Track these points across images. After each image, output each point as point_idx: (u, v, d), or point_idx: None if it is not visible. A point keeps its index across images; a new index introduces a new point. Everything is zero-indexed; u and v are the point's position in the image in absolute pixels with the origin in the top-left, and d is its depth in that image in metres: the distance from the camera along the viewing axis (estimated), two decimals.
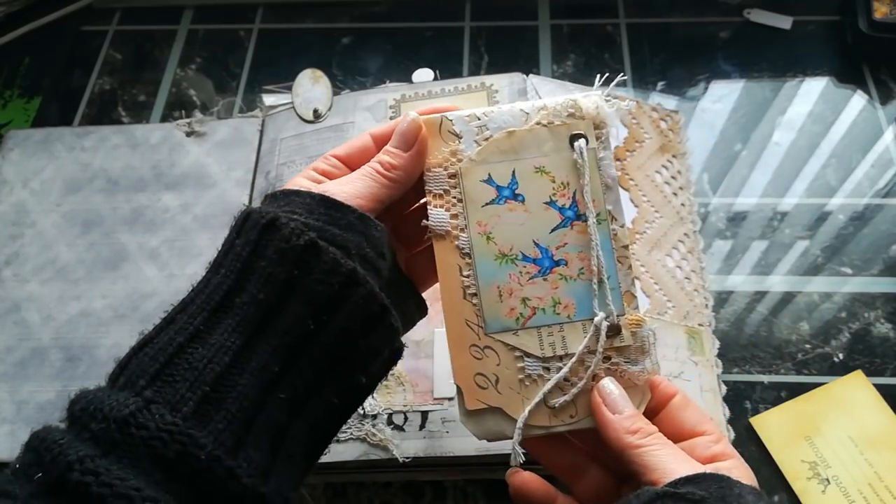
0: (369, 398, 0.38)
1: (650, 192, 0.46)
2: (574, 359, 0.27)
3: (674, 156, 0.48)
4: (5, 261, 0.48)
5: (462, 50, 0.60)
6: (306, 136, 0.50)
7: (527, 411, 0.27)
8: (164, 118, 0.57)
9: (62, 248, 0.48)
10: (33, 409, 0.42)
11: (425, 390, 0.38)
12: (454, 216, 0.29)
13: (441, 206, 0.29)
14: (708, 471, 0.25)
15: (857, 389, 0.42)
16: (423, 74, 0.55)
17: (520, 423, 0.27)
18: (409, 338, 0.39)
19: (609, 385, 0.28)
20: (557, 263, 0.28)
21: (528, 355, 0.28)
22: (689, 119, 0.55)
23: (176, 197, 0.49)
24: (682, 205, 0.47)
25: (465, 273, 0.28)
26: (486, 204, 0.29)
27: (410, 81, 0.55)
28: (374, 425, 0.37)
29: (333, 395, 0.25)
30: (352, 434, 0.37)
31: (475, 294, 0.28)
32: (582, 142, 0.29)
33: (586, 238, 0.28)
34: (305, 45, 0.61)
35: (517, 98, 0.48)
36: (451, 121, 0.30)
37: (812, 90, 0.55)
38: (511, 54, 0.59)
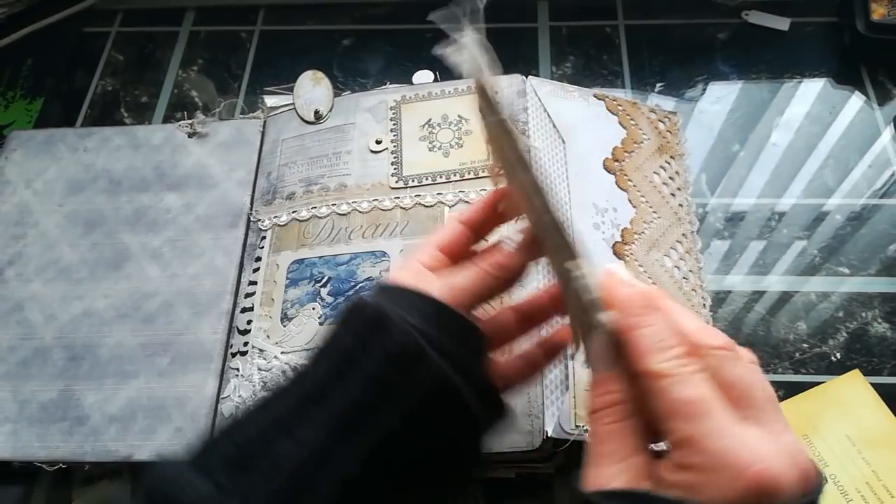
0: None
1: (648, 193, 0.46)
2: None
3: (672, 157, 0.48)
4: (8, 261, 0.48)
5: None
6: (307, 136, 0.51)
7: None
8: (166, 119, 0.58)
9: (65, 249, 0.48)
10: (36, 409, 0.43)
11: None
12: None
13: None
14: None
15: (854, 389, 0.42)
16: (424, 76, 0.56)
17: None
18: None
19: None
20: None
21: None
22: (688, 120, 0.55)
23: (178, 197, 0.50)
24: (680, 205, 0.47)
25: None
26: None
27: (411, 83, 0.55)
28: None
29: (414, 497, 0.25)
30: None
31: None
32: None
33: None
34: (306, 47, 0.61)
35: (516, 99, 0.48)
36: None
37: (810, 91, 0.56)
38: (510, 56, 0.59)
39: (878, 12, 0.54)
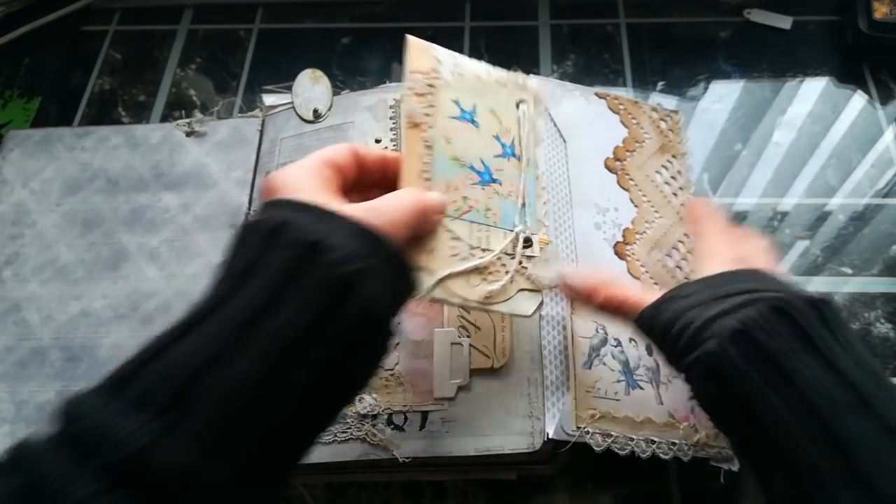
0: (369, 398, 0.38)
1: (650, 193, 0.46)
2: (495, 254, 0.33)
3: (674, 156, 0.48)
4: (5, 261, 0.48)
5: (462, 50, 0.60)
6: (306, 136, 0.50)
7: (448, 269, 0.31)
8: (164, 118, 0.57)
9: (62, 249, 0.48)
10: (33, 409, 0.42)
11: (425, 390, 0.38)
12: (426, 114, 0.33)
13: (419, 102, 0.34)
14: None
15: None
16: None
17: (440, 275, 0.31)
18: (408, 338, 0.39)
19: (570, 275, 0.35)
20: (494, 181, 0.35)
21: (459, 240, 0.32)
22: (689, 119, 0.55)
23: (176, 197, 0.49)
24: (682, 205, 0.47)
25: (425, 160, 0.33)
26: (452, 118, 0.34)
27: None
28: (374, 425, 0.37)
29: (324, 425, 0.25)
30: (352, 434, 0.37)
31: (429, 179, 0.32)
32: (524, 106, 0.37)
33: (518, 171, 0.36)
34: (305, 45, 0.61)
35: None
36: (436, 49, 0.36)
37: (812, 90, 0.56)
38: (511, 54, 0.59)
39: (881, 11, 0.53)
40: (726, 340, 0.25)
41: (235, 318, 0.22)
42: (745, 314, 0.26)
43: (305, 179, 0.27)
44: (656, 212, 0.45)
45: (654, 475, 0.41)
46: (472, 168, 0.34)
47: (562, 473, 0.41)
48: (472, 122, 0.35)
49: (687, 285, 0.30)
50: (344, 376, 0.24)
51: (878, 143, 0.53)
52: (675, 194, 0.47)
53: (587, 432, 0.35)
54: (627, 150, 0.47)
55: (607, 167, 0.45)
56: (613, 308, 0.33)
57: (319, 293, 0.23)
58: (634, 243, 0.43)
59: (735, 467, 0.38)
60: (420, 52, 0.35)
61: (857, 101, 0.55)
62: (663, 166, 0.47)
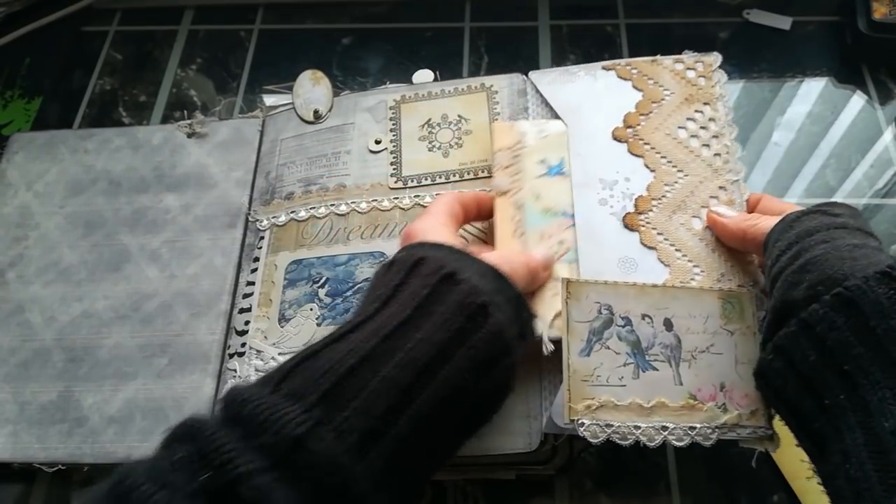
0: None
1: (671, 151, 0.43)
2: None
3: (706, 103, 0.44)
4: (10, 263, 0.48)
5: (462, 50, 0.60)
6: (306, 136, 0.50)
7: (553, 311, 0.36)
8: (165, 119, 0.57)
9: (65, 250, 0.48)
10: (36, 410, 0.43)
11: None
12: (514, 181, 0.41)
13: (505, 174, 0.40)
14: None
15: None
16: (424, 76, 0.55)
17: (549, 318, 0.36)
18: None
19: (718, 208, 0.39)
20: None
21: (558, 279, 0.36)
22: None
23: (177, 198, 0.50)
24: (717, 154, 0.43)
25: (517, 220, 0.39)
26: (539, 176, 0.41)
27: (411, 82, 0.55)
28: None
29: (462, 440, 0.28)
30: None
31: (523, 234, 0.39)
32: None
33: None
34: (306, 46, 0.61)
35: (516, 98, 0.48)
36: (520, 124, 0.43)
37: (811, 90, 0.56)
38: (511, 55, 0.59)
39: (880, 11, 0.53)
40: (872, 278, 0.26)
41: (382, 329, 0.25)
42: (891, 260, 0.28)
43: (443, 228, 0.34)
44: (679, 171, 0.42)
45: (654, 475, 0.41)
46: (563, 214, 0.40)
47: (561, 473, 0.41)
48: (561, 173, 0.42)
49: (837, 205, 0.33)
50: (475, 396, 0.27)
51: (878, 143, 0.53)
52: (706, 145, 0.43)
53: (581, 424, 0.34)
54: (641, 114, 0.44)
55: (615, 138, 0.43)
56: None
57: (456, 315, 0.26)
58: (650, 211, 0.41)
59: (774, 448, 0.35)
60: (503, 133, 0.43)
61: (857, 101, 0.55)
62: (690, 119, 0.44)
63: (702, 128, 0.43)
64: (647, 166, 0.42)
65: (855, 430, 0.26)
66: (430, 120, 0.49)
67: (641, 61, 0.46)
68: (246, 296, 0.45)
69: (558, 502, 0.41)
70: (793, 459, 0.40)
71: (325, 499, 0.22)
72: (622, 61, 0.47)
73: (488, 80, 0.50)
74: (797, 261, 0.30)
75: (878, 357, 0.26)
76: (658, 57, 0.46)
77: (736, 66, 0.57)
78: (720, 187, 0.41)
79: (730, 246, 0.38)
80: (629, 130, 0.43)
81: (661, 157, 0.42)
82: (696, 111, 0.44)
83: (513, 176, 0.41)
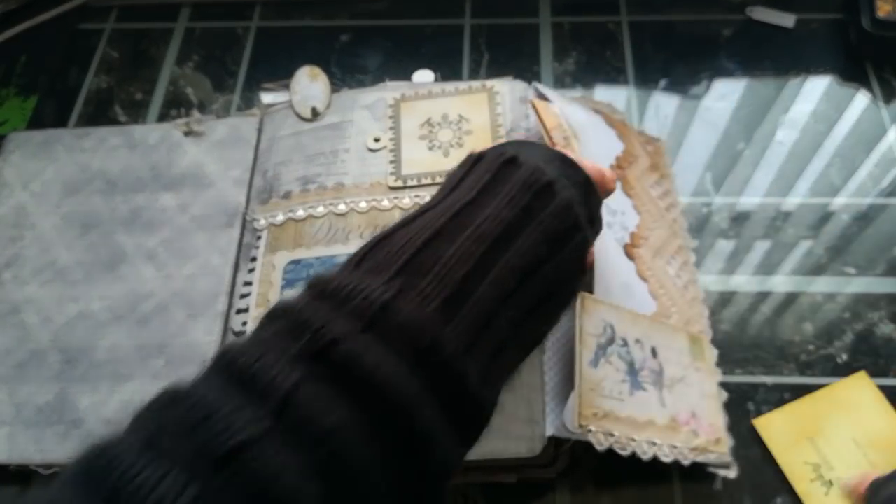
0: None
1: (648, 204, 0.46)
2: None
3: (662, 176, 0.49)
4: (5, 263, 0.47)
5: (462, 47, 0.59)
6: (304, 134, 0.50)
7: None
8: (162, 116, 0.57)
9: (61, 250, 0.48)
10: (32, 411, 0.42)
11: None
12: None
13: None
14: None
15: (860, 390, 0.42)
16: (424, 76, 0.55)
17: None
18: None
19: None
20: None
21: None
22: (692, 117, 0.54)
23: (174, 197, 0.49)
24: (675, 220, 0.47)
25: None
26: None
27: (410, 79, 0.55)
28: None
29: (543, 322, 0.28)
30: None
31: None
32: None
33: None
34: (304, 43, 0.61)
35: (518, 102, 0.48)
36: (554, 105, 0.43)
37: (815, 88, 0.55)
38: (512, 52, 0.59)
39: (884, 9, 0.53)
40: None
41: (450, 210, 0.26)
42: None
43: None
44: (654, 222, 0.46)
45: (656, 479, 0.41)
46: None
47: (562, 477, 0.40)
48: None
49: None
50: (551, 272, 0.27)
51: (882, 142, 0.52)
52: (668, 209, 0.47)
53: (589, 430, 0.35)
54: (626, 162, 0.47)
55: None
56: None
57: (522, 192, 0.26)
58: (641, 247, 0.43)
59: (732, 474, 0.38)
60: (548, 112, 0.42)
61: (861, 99, 0.54)
62: (655, 183, 0.48)
63: (664, 193, 0.48)
64: (635, 208, 0.45)
65: None
66: (429, 119, 0.48)
67: (617, 119, 0.49)
68: (243, 296, 0.44)
69: None
70: (796, 462, 0.40)
71: (420, 358, 0.22)
72: (605, 109, 0.50)
73: (489, 82, 0.49)
74: None
75: None
76: (625, 121, 0.50)
77: (739, 63, 0.57)
78: (678, 247, 0.46)
79: None
80: (620, 171, 0.46)
81: (643, 205, 0.46)
82: (658, 180, 0.48)
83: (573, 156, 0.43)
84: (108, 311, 0.45)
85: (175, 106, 0.58)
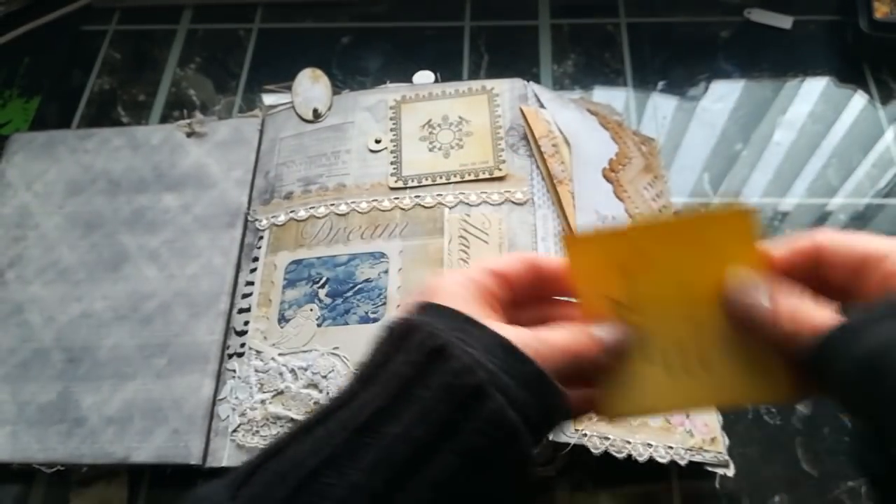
0: None
1: (641, 206, 0.46)
2: None
3: (655, 177, 0.48)
4: (9, 263, 0.48)
5: (462, 49, 0.60)
6: (306, 135, 0.50)
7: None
8: (164, 118, 0.57)
9: (64, 250, 0.48)
10: (35, 410, 0.42)
11: None
12: (563, 172, 0.42)
13: (554, 162, 0.41)
14: None
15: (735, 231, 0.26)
16: (424, 77, 0.55)
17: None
18: None
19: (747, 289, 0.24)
20: None
21: None
22: (690, 118, 0.54)
23: (176, 198, 0.49)
24: None
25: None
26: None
27: (410, 81, 0.55)
28: None
29: None
30: None
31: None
32: None
33: None
34: (305, 45, 0.61)
35: (517, 103, 0.48)
36: (543, 112, 0.43)
37: (813, 90, 0.55)
38: (511, 54, 0.59)
39: (881, 11, 0.53)
40: None
41: (354, 421, 0.21)
42: None
43: (460, 288, 0.24)
44: None
45: (655, 476, 0.41)
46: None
47: (562, 474, 0.41)
48: None
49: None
50: (472, 499, 0.22)
51: (879, 142, 0.53)
52: (660, 211, 0.47)
53: (585, 434, 0.36)
54: (620, 164, 0.47)
55: (605, 177, 0.46)
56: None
57: (441, 402, 0.21)
58: None
59: (731, 472, 0.38)
60: (536, 120, 0.42)
61: (858, 100, 0.54)
62: (649, 184, 0.48)
63: (657, 195, 0.47)
64: (627, 212, 0.45)
65: None
66: (430, 120, 0.49)
67: (612, 120, 0.49)
68: (245, 296, 0.44)
69: (559, 503, 0.41)
70: (596, 292, 0.26)
71: None
72: (601, 111, 0.50)
73: (489, 83, 0.50)
74: (881, 397, 0.20)
75: None
76: (622, 122, 0.50)
77: (737, 65, 0.57)
78: None
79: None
80: (613, 174, 0.46)
81: (636, 208, 0.45)
82: (651, 182, 0.48)
83: (559, 165, 0.42)
84: (110, 311, 0.45)
85: (177, 107, 0.58)
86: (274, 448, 0.22)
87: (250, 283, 0.45)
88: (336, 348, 0.41)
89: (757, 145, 0.53)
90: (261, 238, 0.46)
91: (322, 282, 0.43)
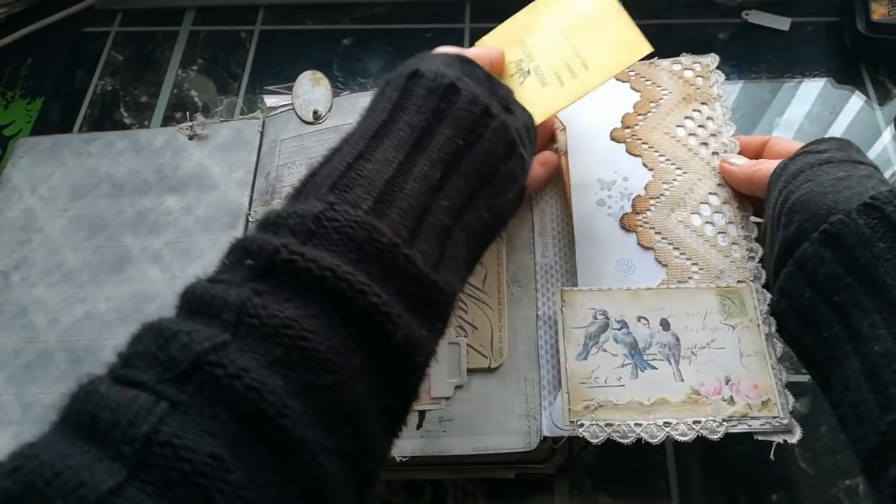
0: None
1: (670, 150, 0.43)
2: None
3: (703, 102, 0.45)
4: (14, 265, 0.48)
5: None
6: (306, 137, 0.51)
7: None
8: (166, 119, 0.58)
9: (68, 253, 0.48)
10: (39, 411, 0.43)
11: (422, 389, 0.38)
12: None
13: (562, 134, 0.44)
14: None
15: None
16: None
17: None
18: None
19: (729, 156, 0.41)
20: None
21: None
22: None
23: (178, 199, 0.50)
24: (714, 153, 0.43)
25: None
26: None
27: None
28: None
29: (484, 208, 0.30)
30: None
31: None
32: None
33: None
34: (306, 47, 0.61)
35: None
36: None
37: (810, 91, 0.56)
38: None
39: (879, 12, 0.53)
40: (855, 211, 0.28)
41: (370, 129, 0.29)
42: (875, 189, 0.29)
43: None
44: (678, 168, 0.42)
45: (653, 474, 0.41)
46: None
47: (561, 472, 0.41)
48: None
49: (824, 140, 0.35)
50: (470, 158, 0.29)
51: (877, 143, 0.53)
52: (704, 144, 0.43)
53: (581, 425, 0.35)
54: (639, 115, 0.45)
55: (614, 138, 0.44)
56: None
57: (428, 99, 0.29)
58: (648, 210, 0.41)
59: (794, 437, 0.33)
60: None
61: (856, 101, 0.55)
62: (688, 117, 0.44)
63: (700, 126, 0.44)
64: (645, 165, 0.43)
65: (851, 358, 0.27)
66: None
67: (639, 63, 0.46)
68: None
69: (558, 501, 0.41)
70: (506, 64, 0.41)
71: (362, 250, 0.24)
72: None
73: None
74: (786, 203, 0.32)
75: (864, 286, 0.27)
76: (656, 59, 0.46)
77: (735, 66, 0.57)
78: (718, 184, 0.42)
79: (743, 192, 0.40)
80: (627, 131, 0.44)
81: (660, 155, 0.43)
82: (694, 110, 0.45)
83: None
84: (114, 312, 0.46)
85: (179, 108, 0.58)
86: (311, 172, 0.28)
87: None
88: None
89: None
90: None
91: None
